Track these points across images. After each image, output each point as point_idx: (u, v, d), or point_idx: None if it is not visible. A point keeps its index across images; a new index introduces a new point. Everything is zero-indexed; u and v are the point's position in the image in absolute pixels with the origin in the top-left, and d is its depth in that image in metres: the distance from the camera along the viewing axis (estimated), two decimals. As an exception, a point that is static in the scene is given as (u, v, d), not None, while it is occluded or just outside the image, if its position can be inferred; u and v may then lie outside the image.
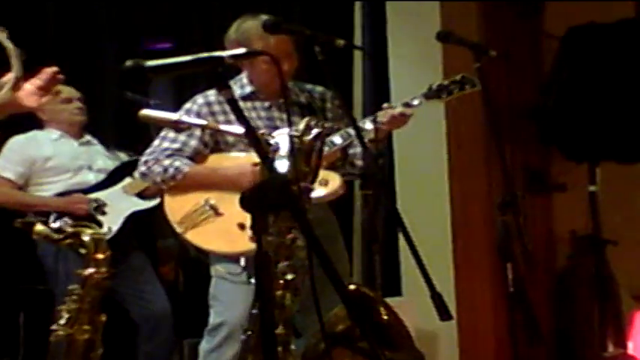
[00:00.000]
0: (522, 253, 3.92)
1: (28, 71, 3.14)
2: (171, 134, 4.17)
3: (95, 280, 3.45)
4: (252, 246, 3.82)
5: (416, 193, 5.36)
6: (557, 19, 5.47)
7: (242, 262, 3.92)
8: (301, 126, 3.41)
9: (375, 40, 5.63)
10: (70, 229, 3.45)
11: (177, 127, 3.54)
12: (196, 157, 4.15)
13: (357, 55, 5.73)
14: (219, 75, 2.45)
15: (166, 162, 4.12)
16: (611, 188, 5.18)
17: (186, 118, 3.59)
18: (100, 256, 3.46)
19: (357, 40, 5.74)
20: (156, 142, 4.20)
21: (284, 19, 3.60)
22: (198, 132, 4.14)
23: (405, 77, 5.19)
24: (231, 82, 4.17)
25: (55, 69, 3.20)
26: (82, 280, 3.44)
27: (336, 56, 3.39)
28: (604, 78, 5.03)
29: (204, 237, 4.04)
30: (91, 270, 3.45)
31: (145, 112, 3.50)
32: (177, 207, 4.10)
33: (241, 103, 4.07)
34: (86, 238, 3.45)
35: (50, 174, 5.28)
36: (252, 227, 2.46)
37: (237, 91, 4.13)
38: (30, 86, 3.18)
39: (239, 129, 3.25)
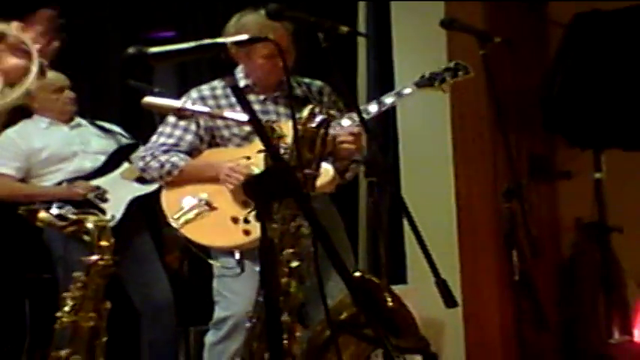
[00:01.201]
0: (527, 240, 3.91)
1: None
2: (168, 129, 4.20)
3: (99, 267, 3.46)
4: (246, 239, 3.90)
5: (421, 181, 5.36)
6: (562, 6, 5.45)
7: (236, 255, 3.93)
8: (305, 113, 3.42)
9: (379, 28, 5.62)
10: (73, 217, 3.46)
11: (181, 114, 3.54)
12: (193, 151, 4.18)
13: (361, 44, 5.71)
14: (222, 62, 2.44)
15: (163, 157, 4.15)
16: (616, 175, 5.17)
17: (189, 105, 3.59)
18: (104, 243, 3.47)
19: (362, 23, 5.72)
20: (153, 138, 4.25)
21: (287, 4, 3.59)
22: (193, 127, 4.17)
23: (410, 65, 5.18)
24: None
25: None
26: (86, 267, 3.45)
27: (339, 44, 3.38)
28: (609, 65, 5.01)
29: (199, 231, 4.04)
30: (95, 257, 3.45)
31: (149, 99, 3.50)
32: (173, 201, 4.11)
33: (235, 98, 4.09)
34: (90, 225, 3.45)
35: (47, 164, 5.27)
36: (257, 215, 2.44)
37: None
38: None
39: (243, 117, 3.25)
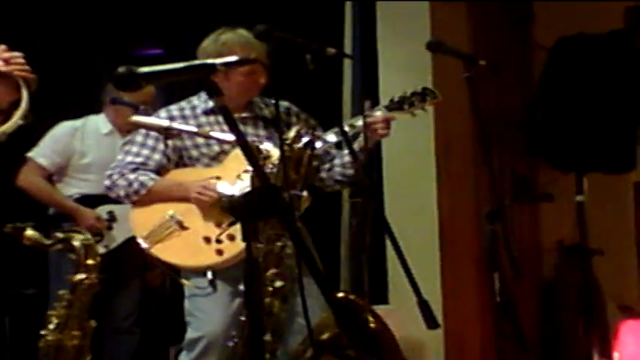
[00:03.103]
0: (509, 262, 3.92)
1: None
2: (135, 148, 4.16)
3: (85, 285, 3.45)
4: (219, 259, 3.88)
5: (404, 202, 5.35)
6: (546, 29, 5.48)
7: (209, 275, 3.92)
8: (291, 134, 3.43)
9: (364, 46, 5.63)
10: (60, 235, 3.46)
11: (168, 133, 3.55)
12: (160, 170, 4.14)
13: (347, 64, 5.72)
14: (211, 82, 2.45)
15: (131, 176, 4.10)
16: (597, 198, 5.19)
17: (176, 125, 3.60)
18: (91, 261, 3.47)
19: (348, 42, 5.73)
20: (119, 157, 4.19)
21: (274, 23, 3.59)
22: (161, 146, 4.12)
23: (395, 84, 5.17)
24: (194, 97, 4.19)
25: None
26: (71, 285, 3.45)
27: (325, 61, 3.39)
28: (592, 89, 5.04)
29: (169, 251, 4.00)
30: (81, 276, 3.45)
31: (137, 118, 3.53)
32: (143, 221, 4.07)
33: (203, 118, 4.09)
34: (77, 244, 3.45)
35: (81, 170, 5.35)
36: (243, 235, 2.45)
37: (201, 106, 4.14)
38: None
39: (229, 137, 3.26)
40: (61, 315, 3.44)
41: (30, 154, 5.33)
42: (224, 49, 3.97)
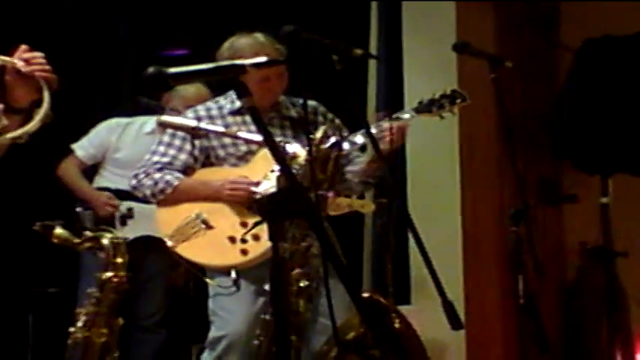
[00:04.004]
0: (533, 264, 3.92)
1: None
2: (162, 148, 4.18)
3: (113, 283, 3.49)
4: (244, 259, 3.90)
5: (428, 203, 5.35)
6: (572, 31, 5.47)
7: (233, 274, 3.93)
8: (318, 134, 3.44)
9: (390, 46, 5.63)
10: (89, 233, 3.49)
11: (195, 133, 3.56)
12: (186, 170, 4.16)
13: (372, 65, 5.72)
14: (240, 83, 2.45)
15: (157, 175, 4.12)
16: (622, 200, 5.17)
17: (203, 125, 3.61)
18: (119, 260, 3.50)
19: (374, 41, 5.73)
20: (147, 156, 4.22)
21: (299, 22, 3.58)
22: (188, 146, 4.15)
23: (420, 86, 5.18)
24: (221, 98, 4.21)
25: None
26: (100, 283, 3.48)
27: (351, 62, 3.39)
28: (618, 91, 5.03)
29: (194, 250, 4.01)
30: (109, 274, 3.48)
31: (165, 118, 3.55)
32: (168, 220, 4.08)
33: (230, 118, 4.11)
34: (105, 242, 3.49)
35: (114, 165, 5.44)
36: (269, 235, 2.46)
37: (227, 106, 4.16)
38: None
39: (256, 137, 3.27)
40: (89, 312, 3.47)
41: (72, 146, 5.50)
42: (237, 55, 3.97)
